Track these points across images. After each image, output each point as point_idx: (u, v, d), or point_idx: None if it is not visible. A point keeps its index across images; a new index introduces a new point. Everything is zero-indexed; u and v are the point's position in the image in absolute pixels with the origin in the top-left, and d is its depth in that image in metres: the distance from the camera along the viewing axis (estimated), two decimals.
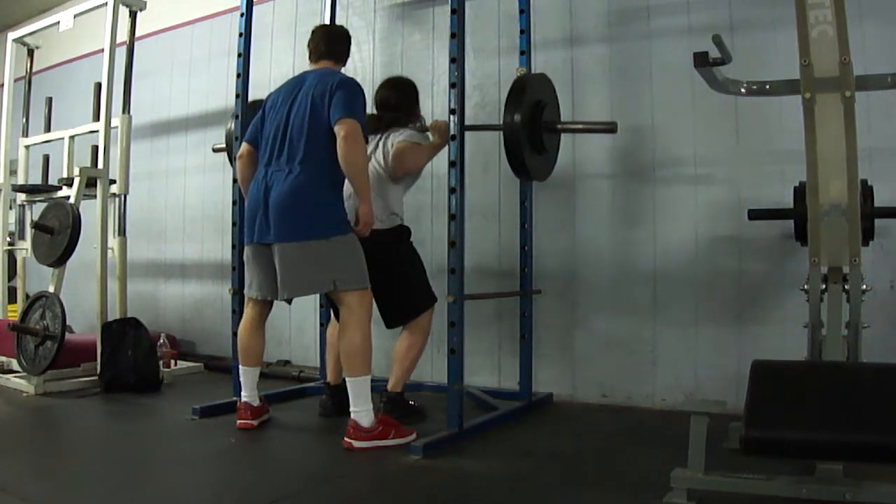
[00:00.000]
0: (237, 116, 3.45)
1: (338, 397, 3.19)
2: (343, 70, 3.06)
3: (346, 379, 2.77)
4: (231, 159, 3.64)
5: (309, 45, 3.03)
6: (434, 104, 3.69)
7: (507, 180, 3.65)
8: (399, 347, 3.13)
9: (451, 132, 2.81)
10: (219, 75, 4.75)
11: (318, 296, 3.86)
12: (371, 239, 2.87)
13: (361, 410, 2.70)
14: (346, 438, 2.69)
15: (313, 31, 3.06)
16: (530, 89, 3.07)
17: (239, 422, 2.95)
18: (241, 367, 3.05)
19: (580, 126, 3.35)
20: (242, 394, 3.02)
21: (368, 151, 3.08)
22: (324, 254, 2.73)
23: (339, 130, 2.70)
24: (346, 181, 2.83)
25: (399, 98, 3.27)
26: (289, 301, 2.93)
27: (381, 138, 3.17)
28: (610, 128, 3.10)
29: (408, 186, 3.28)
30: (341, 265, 2.76)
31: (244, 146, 3.04)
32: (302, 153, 2.76)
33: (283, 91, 2.94)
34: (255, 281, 2.93)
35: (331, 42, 3.02)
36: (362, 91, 2.85)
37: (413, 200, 3.84)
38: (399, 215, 3.17)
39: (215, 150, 4.07)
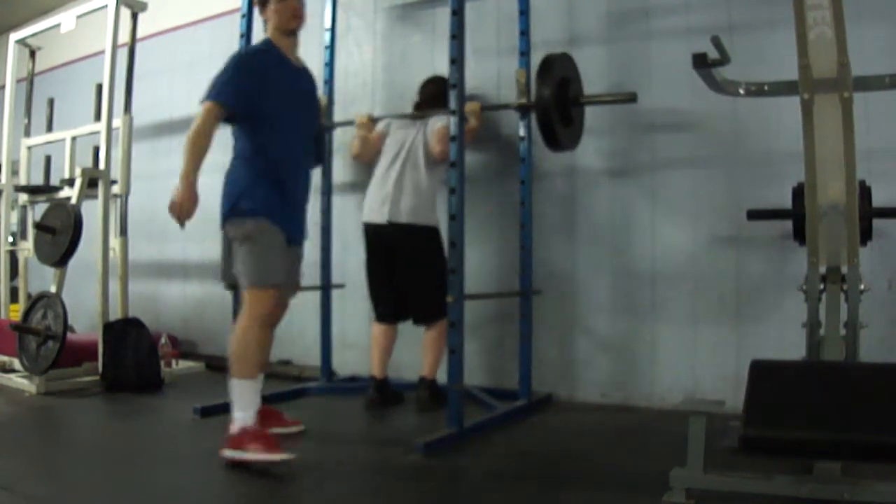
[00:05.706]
0: None
1: (385, 390, 3.47)
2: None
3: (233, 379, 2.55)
4: None
5: None
6: None
7: (507, 180, 3.66)
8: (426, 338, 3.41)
9: (452, 133, 2.81)
10: None
11: (318, 296, 3.87)
12: (412, 235, 3.31)
13: (237, 417, 2.51)
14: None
15: None
16: (556, 67, 3.19)
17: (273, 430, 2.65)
18: (257, 377, 2.62)
19: (601, 98, 3.38)
20: (249, 413, 2.54)
21: (408, 138, 3.43)
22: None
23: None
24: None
25: (440, 92, 3.37)
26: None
27: (421, 125, 3.47)
28: (630, 97, 3.18)
29: (442, 178, 3.35)
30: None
31: None
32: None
33: None
34: (283, 268, 2.70)
35: None
36: (233, 62, 2.79)
37: None
38: (436, 213, 3.39)
39: None
